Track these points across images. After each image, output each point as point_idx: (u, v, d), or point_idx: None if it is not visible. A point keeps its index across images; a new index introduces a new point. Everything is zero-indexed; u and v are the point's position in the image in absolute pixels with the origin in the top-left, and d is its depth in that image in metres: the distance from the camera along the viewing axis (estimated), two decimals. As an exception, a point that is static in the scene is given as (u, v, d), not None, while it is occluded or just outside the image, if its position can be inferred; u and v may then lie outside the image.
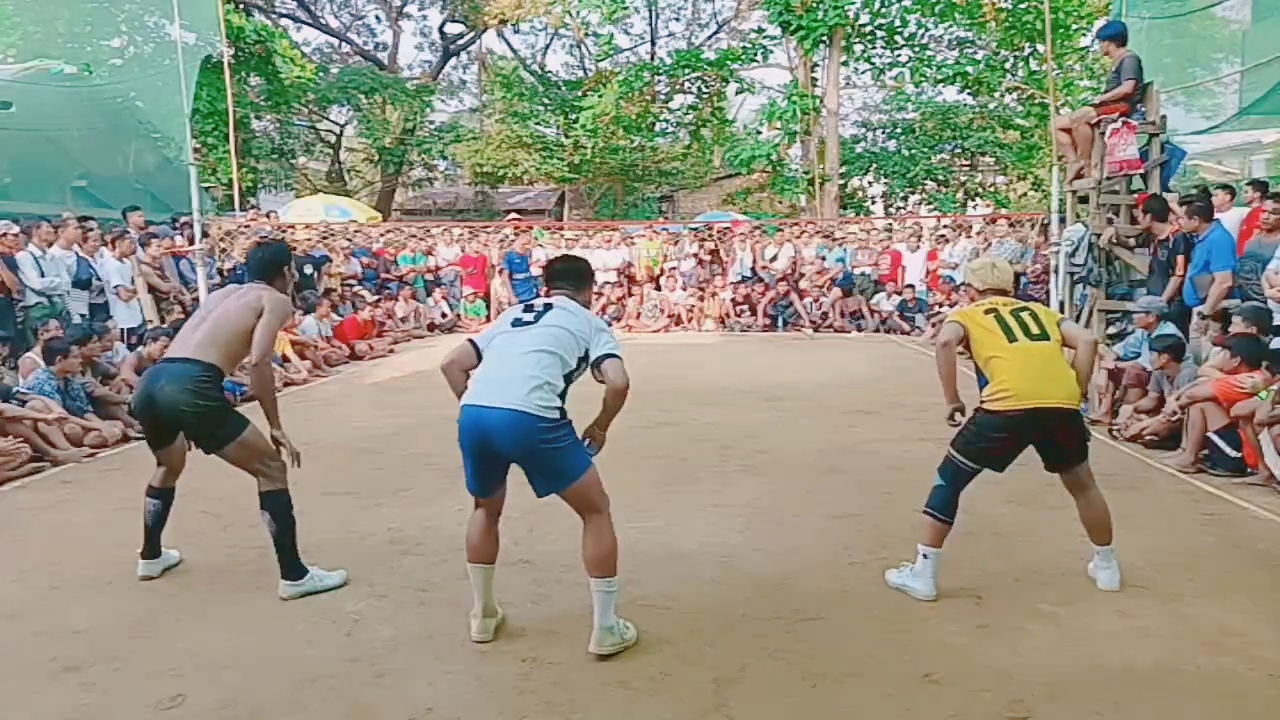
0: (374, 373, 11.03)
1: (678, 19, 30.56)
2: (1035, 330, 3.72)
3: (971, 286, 4.22)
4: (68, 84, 13.54)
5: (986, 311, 3.84)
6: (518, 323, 3.31)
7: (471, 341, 3.38)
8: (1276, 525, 4.69)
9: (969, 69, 21.36)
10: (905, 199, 25.03)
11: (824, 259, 15.34)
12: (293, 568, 3.85)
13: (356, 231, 16.66)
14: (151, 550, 4.11)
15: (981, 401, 3.74)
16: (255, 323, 3.87)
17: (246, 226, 13.54)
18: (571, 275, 3.59)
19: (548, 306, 3.36)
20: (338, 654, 3.29)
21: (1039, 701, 2.89)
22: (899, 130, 25.18)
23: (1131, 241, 7.79)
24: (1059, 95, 16.85)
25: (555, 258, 3.79)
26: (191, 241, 10.90)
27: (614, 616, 3.26)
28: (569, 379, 3.22)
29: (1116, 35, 7.94)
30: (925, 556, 3.74)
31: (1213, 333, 6.56)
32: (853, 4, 20.36)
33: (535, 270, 15.03)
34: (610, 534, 3.23)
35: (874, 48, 21.92)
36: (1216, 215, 7.25)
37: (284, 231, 14.60)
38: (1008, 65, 21.66)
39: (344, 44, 31.14)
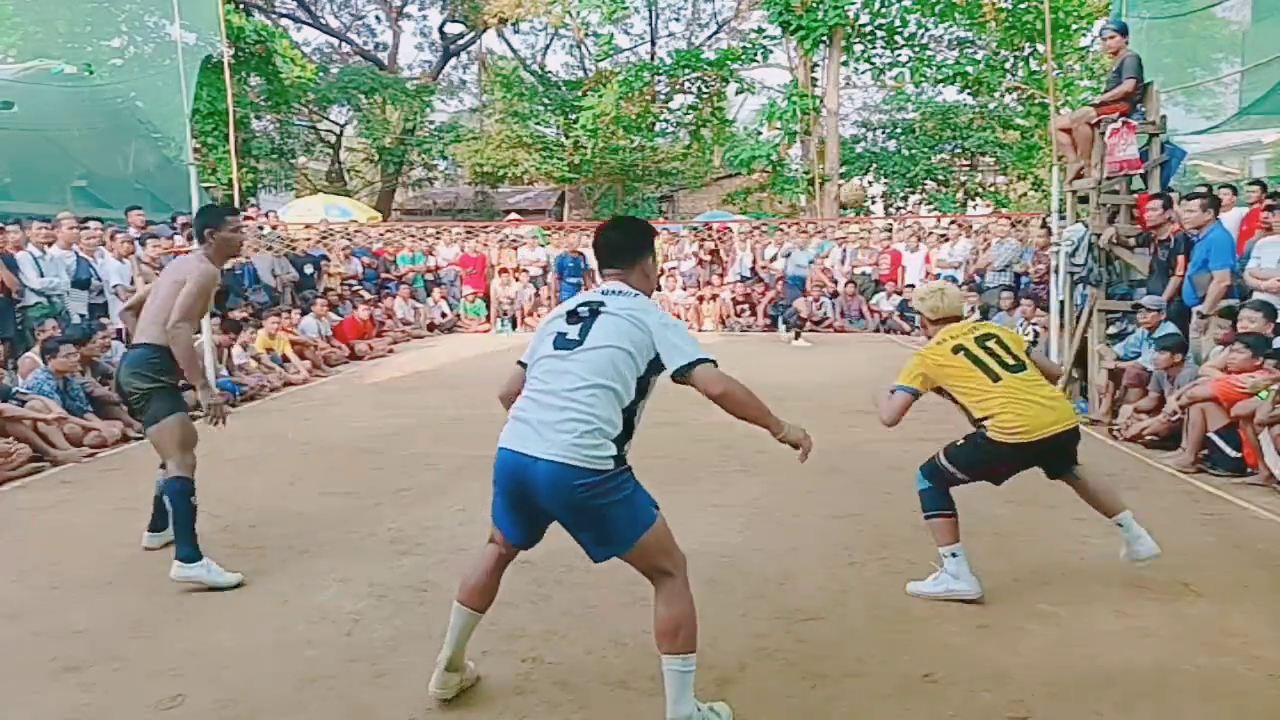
0: (374, 373, 11.04)
1: (678, 19, 30.60)
2: (1010, 360, 3.66)
3: (923, 316, 3.99)
4: (68, 84, 13.53)
5: (954, 350, 3.69)
6: (561, 341, 2.69)
7: (521, 364, 2.86)
8: (1276, 525, 4.69)
9: (969, 69, 21.36)
10: (905, 199, 25.03)
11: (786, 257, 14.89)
12: (184, 551, 3.93)
13: (356, 231, 16.67)
14: (154, 523, 4.34)
15: (984, 429, 3.64)
16: None
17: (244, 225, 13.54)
18: (622, 251, 2.86)
19: (595, 313, 2.70)
20: (338, 654, 3.29)
21: (1039, 701, 2.89)
22: (899, 130, 25.19)
23: (1131, 241, 7.78)
24: (1059, 95, 16.84)
25: (602, 226, 3.00)
26: (191, 241, 10.91)
27: (692, 702, 2.61)
28: (631, 412, 2.63)
29: (1123, 30, 7.97)
30: (954, 555, 3.69)
31: (1213, 331, 6.55)
32: (853, 4, 20.36)
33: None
34: (684, 600, 2.63)
35: (874, 48, 21.92)
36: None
37: (279, 229, 14.60)
38: (1008, 65, 21.66)
39: (344, 44, 31.16)
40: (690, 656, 2.60)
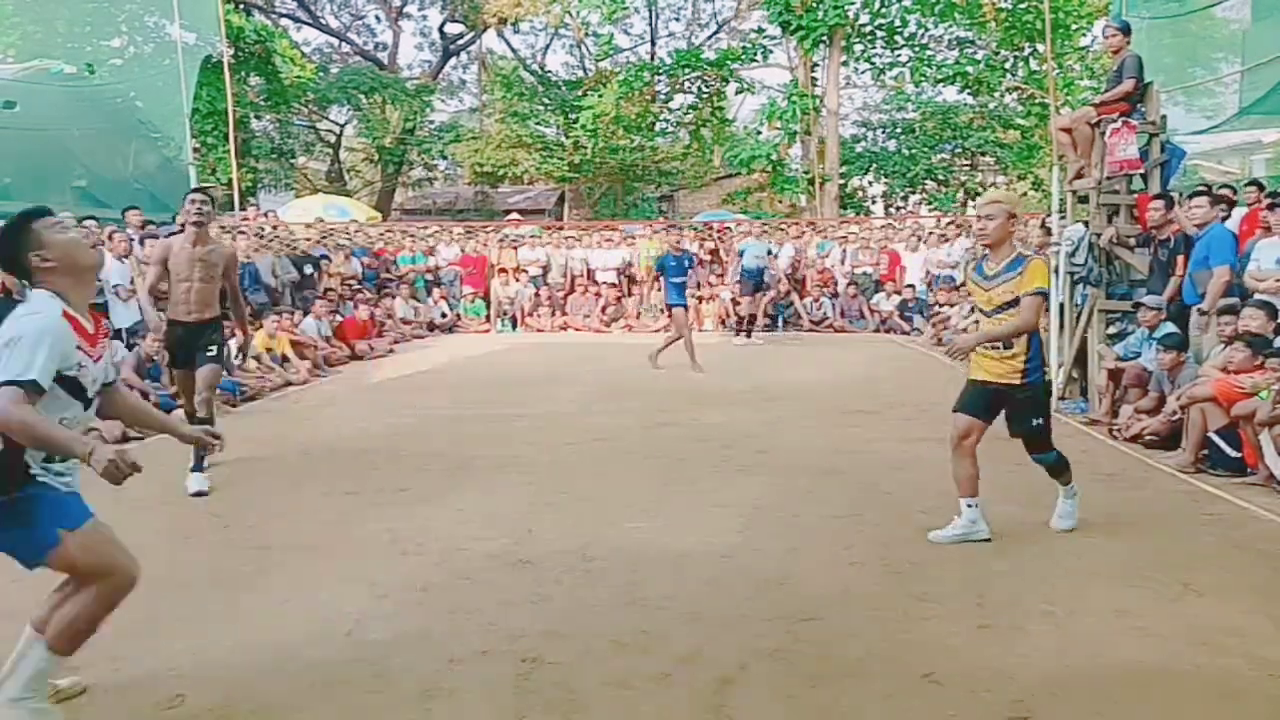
0: (374, 373, 11.03)
1: (678, 19, 30.60)
2: None
3: (1014, 219, 4.18)
4: (68, 84, 13.56)
5: None
6: None
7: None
8: (1276, 525, 4.68)
9: (969, 69, 21.38)
10: (905, 199, 25.05)
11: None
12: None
13: (357, 231, 16.68)
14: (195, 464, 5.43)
15: (1038, 374, 4.16)
16: None
17: (243, 226, 13.55)
18: (10, 265, 2.70)
19: None
20: (338, 654, 3.29)
21: (1039, 701, 2.89)
22: (899, 130, 25.21)
23: (1131, 241, 7.78)
24: (1059, 95, 16.86)
25: None
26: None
27: (28, 690, 2.60)
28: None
29: (1125, 29, 7.97)
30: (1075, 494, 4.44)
31: (1214, 329, 6.55)
32: (853, 4, 20.38)
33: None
34: (89, 609, 2.59)
35: (874, 48, 21.95)
36: (1215, 214, 7.27)
37: (279, 229, 14.60)
38: (1008, 65, 21.69)
39: (344, 44, 31.20)
40: (53, 658, 2.59)
